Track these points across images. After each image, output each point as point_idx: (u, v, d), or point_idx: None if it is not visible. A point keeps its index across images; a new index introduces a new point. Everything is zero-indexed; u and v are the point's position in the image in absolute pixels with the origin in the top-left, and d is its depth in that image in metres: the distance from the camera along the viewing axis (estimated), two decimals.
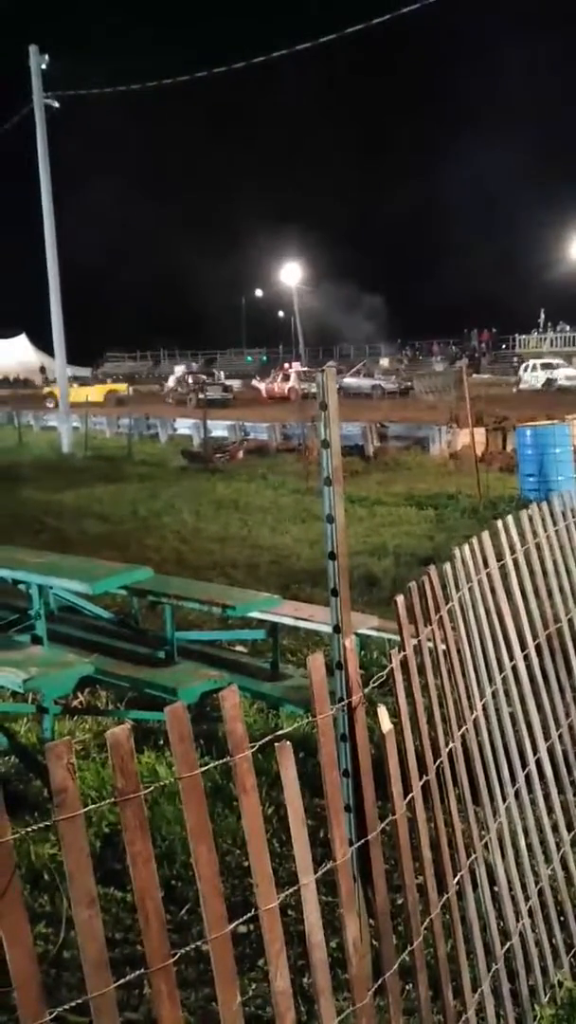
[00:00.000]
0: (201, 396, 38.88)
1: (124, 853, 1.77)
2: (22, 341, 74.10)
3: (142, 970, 1.79)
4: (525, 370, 45.77)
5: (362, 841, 2.45)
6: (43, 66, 24.80)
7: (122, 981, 1.75)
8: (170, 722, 1.84)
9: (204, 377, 46.45)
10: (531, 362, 46.86)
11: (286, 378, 46.50)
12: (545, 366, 45.38)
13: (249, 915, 2.06)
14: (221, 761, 2.04)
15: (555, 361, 47.12)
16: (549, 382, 42.51)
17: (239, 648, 6.73)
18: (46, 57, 24.79)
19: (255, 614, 5.93)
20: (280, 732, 2.20)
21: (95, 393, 46.70)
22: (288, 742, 2.09)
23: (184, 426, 26.90)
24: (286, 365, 52.81)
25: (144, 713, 5.30)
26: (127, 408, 34.13)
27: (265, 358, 67.96)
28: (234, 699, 1.98)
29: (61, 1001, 2.54)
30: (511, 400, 30.25)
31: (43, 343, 50.56)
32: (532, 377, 44.11)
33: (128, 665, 5.67)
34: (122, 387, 49.32)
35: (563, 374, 43.17)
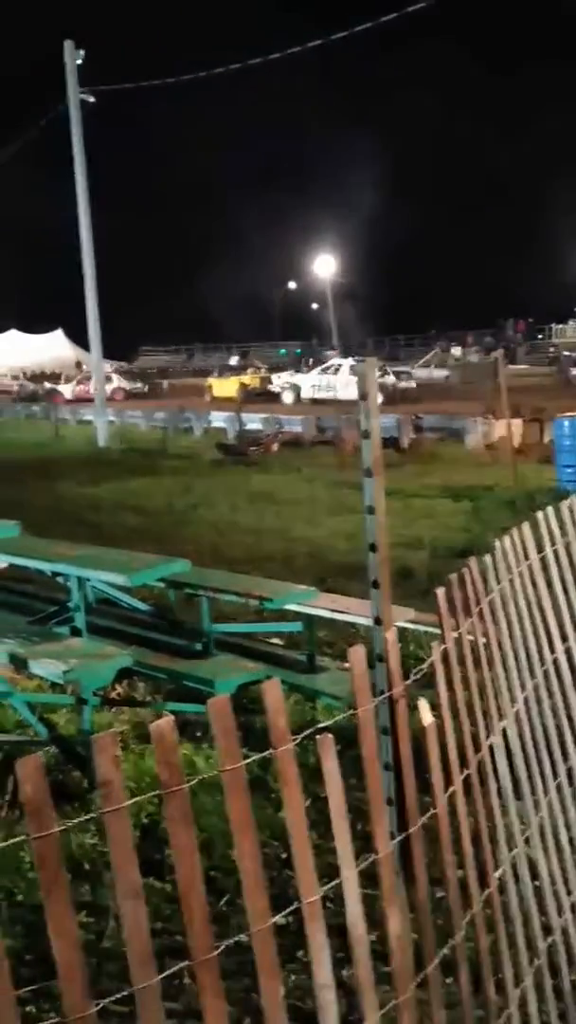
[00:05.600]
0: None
1: (163, 843, 1.78)
2: (58, 336, 74.49)
3: (185, 962, 1.79)
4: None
5: (404, 835, 2.44)
6: (78, 61, 24.88)
7: (166, 973, 1.75)
8: (214, 716, 1.83)
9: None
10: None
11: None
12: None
13: (291, 908, 2.06)
14: (261, 755, 2.03)
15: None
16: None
17: (275, 640, 6.73)
18: (81, 52, 24.86)
19: (291, 607, 5.93)
20: (321, 725, 2.19)
21: (227, 387, 39.63)
22: (330, 735, 2.09)
23: (218, 419, 26.97)
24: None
25: (182, 705, 5.32)
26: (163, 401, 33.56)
27: (299, 351, 67.80)
28: (277, 692, 1.98)
29: (101, 990, 2.55)
30: (549, 390, 29.93)
31: (79, 338, 50.52)
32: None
33: (165, 657, 5.70)
34: (248, 379, 42.39)
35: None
